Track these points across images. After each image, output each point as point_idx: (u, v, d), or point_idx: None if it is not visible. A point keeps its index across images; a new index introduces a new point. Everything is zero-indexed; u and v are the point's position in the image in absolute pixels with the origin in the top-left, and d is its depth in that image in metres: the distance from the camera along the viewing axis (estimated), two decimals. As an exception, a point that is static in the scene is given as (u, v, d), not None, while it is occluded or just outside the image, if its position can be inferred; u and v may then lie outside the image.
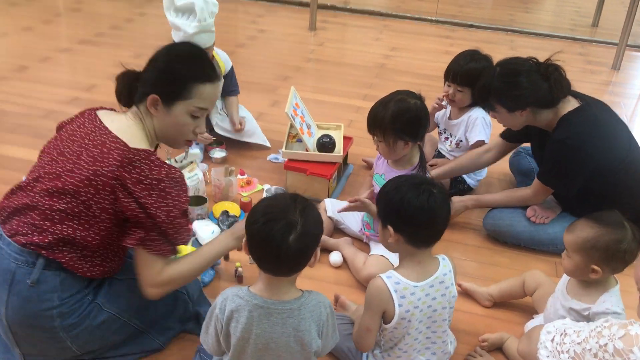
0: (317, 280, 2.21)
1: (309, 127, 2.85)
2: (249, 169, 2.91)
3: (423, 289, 1.56)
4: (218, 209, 2.52)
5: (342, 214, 2.42)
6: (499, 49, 5.00)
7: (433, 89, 4.04)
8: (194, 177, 2.56)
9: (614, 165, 2.26)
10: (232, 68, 3.02)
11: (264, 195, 2.70)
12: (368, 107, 3.62)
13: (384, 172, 2.24)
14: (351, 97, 3.88)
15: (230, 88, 3.04)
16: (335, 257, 2.28)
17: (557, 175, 2.29)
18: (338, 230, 2.47)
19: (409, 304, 1.55)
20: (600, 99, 2.41)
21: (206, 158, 2.97)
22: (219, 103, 3.03)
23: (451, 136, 2.82)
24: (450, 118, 2.81)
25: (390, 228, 1.58)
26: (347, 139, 2.91)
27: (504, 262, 2.41)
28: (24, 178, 2.39)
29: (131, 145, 1.56)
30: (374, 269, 2.12)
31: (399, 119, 2.05)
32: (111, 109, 1.74)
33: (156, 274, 1.60)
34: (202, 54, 1.68)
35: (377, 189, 2.26)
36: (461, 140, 2.76)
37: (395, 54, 4.81)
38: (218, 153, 2.96)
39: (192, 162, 2.61)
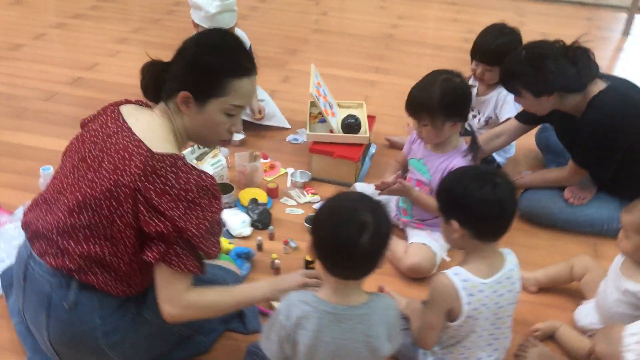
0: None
1: (331, 106, 2.75)
2: (268, 151, 2.80)
3: (491, 286, 1.50)
4: (244, 196, 2.42)
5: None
6: (505, 16, 4.84)
7: (446, 60, 3.97)
8: (218, 163, 2.46)
9: None
10: (250, 48, 2.88)
11: (289, 179, 2.61)
12: (382, 81, 3.62)
13: (422, 156, 2.16)
14: (363, 71, 3.76)
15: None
16: (372, 245, 2.21)
17: (592, 157, 2.24)
18: (370, 215, 2.39)
19: (477, 302, 1.49)
20: (612, 67, 2.33)
21: (224, 141, 2.86)
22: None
23: (479, 113, 2.74)
24: (478, 95, 2.72)
25: (454, 223, 1.50)
26: (371, 118, 2.81)
27: (540, 244, 2.36)
28: (41, 174, 2.26)
29: (155, 149, 1.39)
30: (417, 259, 2.07)
31: (448, 99, 1.98)
32: (137, 102, 1.58)
33: (180, 292, 1.43)
34: (236, 44, 1.51)
35: (415, 174, 2.19)
36: (490, 117, 2.68)
37: (402, 23, 4.67)
38: (236, 135, 2.85)
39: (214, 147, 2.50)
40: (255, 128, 2.96)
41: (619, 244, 1.77)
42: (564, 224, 2.39)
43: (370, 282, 1.77)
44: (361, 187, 2.41)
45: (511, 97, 2.58)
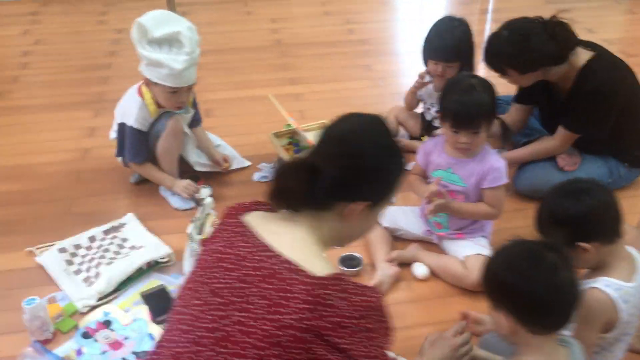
0: (418, 302, 2.02)
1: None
2: (246, 198, 2.52)
3: (638, 287, 1.49)
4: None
5: (397, 219, 2.23)
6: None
7: (349, 56, 3.94)
8: (220, 230, 2.16)
9: (633, 101, 2.37)
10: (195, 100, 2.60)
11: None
12: (305, 91, 3.48)
13: (448, 165, 2.08)
14: (278, 85, 3.55)
15: (196, 117, 2.61)
16: (422, 270, 2.09)
17: (591, 122, 2.34)
18: (395, 238, 2.26)
19: (632, 307, 1.47)
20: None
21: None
22: (192, 138, 2.57)
23: (440, 107, 2.72)
24: (436, 89, 2.70)
25: (581, 245, 1.46)
26: (341, 136, 2.66)
27: None
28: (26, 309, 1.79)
29: (314, 271, 1.12)
30: (482, 271, 2.00)
31: (494, 97, 1.97)
32: (263, 207, 1.30)
33: None
34: (392, 134, 1.33)
35: (449, 186, 2.09)
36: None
37: (280, 26, 4.49)
38: (205, 192, 2.50)
39: (208, 214, 2.19)
40: (211, 177, 2.65)
41: None
42: (564, 193, 2.48)
43: (440, 310, 1.71)
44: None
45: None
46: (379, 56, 3.98)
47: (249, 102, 3.36)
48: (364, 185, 1.23)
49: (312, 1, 4.99)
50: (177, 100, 2.32)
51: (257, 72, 3.74)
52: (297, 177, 1.21)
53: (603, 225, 1.47)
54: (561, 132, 2.40)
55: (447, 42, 2.50)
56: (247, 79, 3.65)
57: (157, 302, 1.96)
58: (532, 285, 1.20)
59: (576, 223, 1.46)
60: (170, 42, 2.16)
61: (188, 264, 2.06)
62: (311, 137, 2.47)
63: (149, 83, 2.28)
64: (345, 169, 1.21)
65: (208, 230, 2.11)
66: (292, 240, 1.19)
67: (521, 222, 2.34)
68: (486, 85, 1.96)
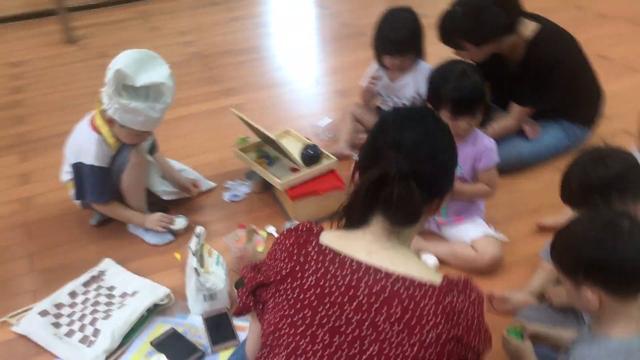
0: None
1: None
2: (222, 221, 2.39)
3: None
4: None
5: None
6: None
7: (267, 61, 3.87)
8: (219, 259, 2.02)
9: (580, 65, 2.51)
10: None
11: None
12: (243, 102, 3.38)
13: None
14: (214, 99, 3.41)
15: (154, 143, 2.42)
16: (431, 260, 2.07)
17: (541, 94, 2.44)
18: (393, 233, 2.23)
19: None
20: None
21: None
22: (155, 166, 2.38)
23: (399, 98, 2.72)
24: (392, 80, 2.69)
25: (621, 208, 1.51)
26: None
27: (534, 187, 2.46)
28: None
29: (431, 280, 1.06)
30: (493, 251, 2.03)
31: (483, 79, 1.96)
32: (319, 227, 1.18)
33: None
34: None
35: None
36: (416, 97, 2.68)
37: (191, 38, 4.32)
38: (179, 222, 2.33)
39: (203, 244, 2.03)
40: (179, 205, 2.47)
41: None
42: (534, 161, 2.56)
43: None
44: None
45: (430, 69, 2.62)
46: (298, 56, 3.95)
47: (188, 120, 3.19)
48: (449, 178, 1.21)
49: (216, 9, 4.87)
50: (141, 138, 2.16)
51: (187, 88, 3.55)
52: (409, 190, 1.08)
53: (635, 185, 1.52)
54: (516, 109, 2.50)
55: (402, 35, 2.51)
56: (179, 96, 3.39)
57: (173, 347, 1.79)
58: (621, 254, 1.20)
59: (610, 187, 1.49)
60: (146, 91, 1.98)
61: (195, 301, 1.90)
62: (290, 146, 2.38)
63: (110, 120, 2.07)
64: (436, 167, 1.15)
65: (210, 264, 1.97)
66: (388, 254, 1.10)
67: (506, 197, 2.40)
68: (474, 68, 1.97)
